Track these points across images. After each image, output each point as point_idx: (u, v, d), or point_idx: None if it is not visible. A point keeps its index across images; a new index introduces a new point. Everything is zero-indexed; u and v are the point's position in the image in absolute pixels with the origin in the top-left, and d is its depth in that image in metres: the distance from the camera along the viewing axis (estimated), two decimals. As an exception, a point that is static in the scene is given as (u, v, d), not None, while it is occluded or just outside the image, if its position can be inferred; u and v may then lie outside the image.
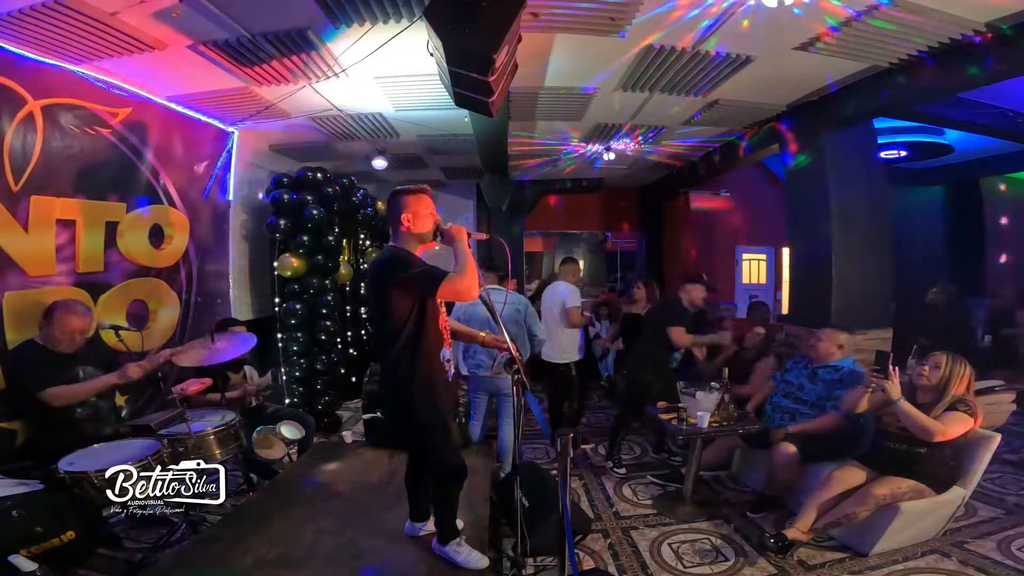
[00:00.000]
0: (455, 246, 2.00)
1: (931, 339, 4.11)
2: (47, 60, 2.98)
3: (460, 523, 2.26)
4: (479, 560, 2.13)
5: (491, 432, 3.72)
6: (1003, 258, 7.35)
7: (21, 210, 2.87)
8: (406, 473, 2.32)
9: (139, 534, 2.67)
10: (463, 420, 3.70)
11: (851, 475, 2.73)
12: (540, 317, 4.17)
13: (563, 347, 4.13)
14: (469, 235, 2.06)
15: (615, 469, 3.86)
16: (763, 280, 8.56)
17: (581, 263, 10.62)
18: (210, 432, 2.71)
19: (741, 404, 3.59)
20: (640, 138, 5.46)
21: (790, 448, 2.99)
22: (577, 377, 4.25)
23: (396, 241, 2.09)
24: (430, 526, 2.29)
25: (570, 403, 4.30)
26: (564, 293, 4.11)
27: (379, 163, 5.70)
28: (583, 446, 4.31)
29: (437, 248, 2.15)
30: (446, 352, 2.12)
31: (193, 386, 2.91)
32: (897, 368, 2.66)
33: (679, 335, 3.90)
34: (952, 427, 2.54)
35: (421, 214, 2.05)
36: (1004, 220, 7.44)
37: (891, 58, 3.35)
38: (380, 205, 5.91)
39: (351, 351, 5.72)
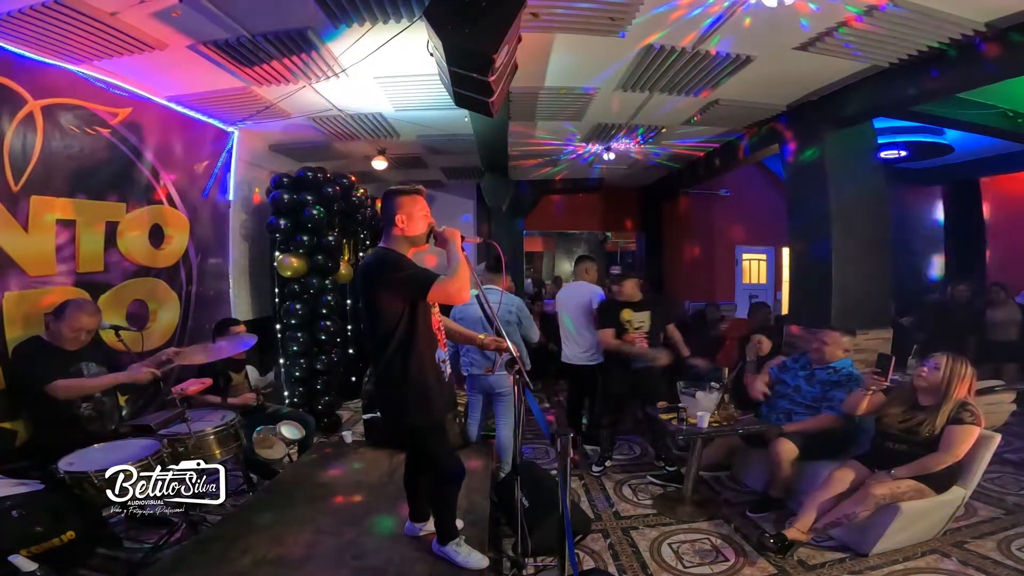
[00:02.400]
0: (448, 249, 2.00)
1: (947, 339, 4.10)
2: (47, 60, 2.97)
3: (459, 523, 2.26)
4: (479, 560, 2.13)
5: (489, 431, 3.72)
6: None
7: (21, 210, 2.86)
8: (405, 473, 2.32)
9: (139, 534, 2.66)
10: (462, 420, 3.69)
11: (851, 475, 2.73)
12: (560, 319, 4.16)
13: (589, 349, 4.07)
14: (463, 238, 2.05)
15: (594, 467, 3.87)
16: (763, 280, 8.55)
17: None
18: (210, 432, 2.71)
19: (743, 404, 3.58)
20: (640, 138, 5.46)
21: (790, 445, 2.99)
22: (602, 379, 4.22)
23: (387, 242, 2.06)
24: (430, 526, 2.29)
25: (592, 405, 4.28)
26: (596, 296, 4.08)
27: (379, 163, 5.70)
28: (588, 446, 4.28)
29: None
30: (441, 353, 2.11)
31: (193, 386, 2.91)
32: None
33: (604, 336, 3.84)
34: (962, 446, 2.55)
35: (415, 216, 2.03)
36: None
37: (891, 58, 3.35)
38: (379, 205, 5.92)
39: (351, 351, 5.72)
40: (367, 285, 1.99)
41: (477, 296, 2.29)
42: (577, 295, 4.13)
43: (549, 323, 6.73)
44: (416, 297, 1.96)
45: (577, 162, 6.55)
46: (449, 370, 2.19)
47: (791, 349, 4.36)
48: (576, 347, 4.09)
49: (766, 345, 4.14)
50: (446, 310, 2.41)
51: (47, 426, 2.65)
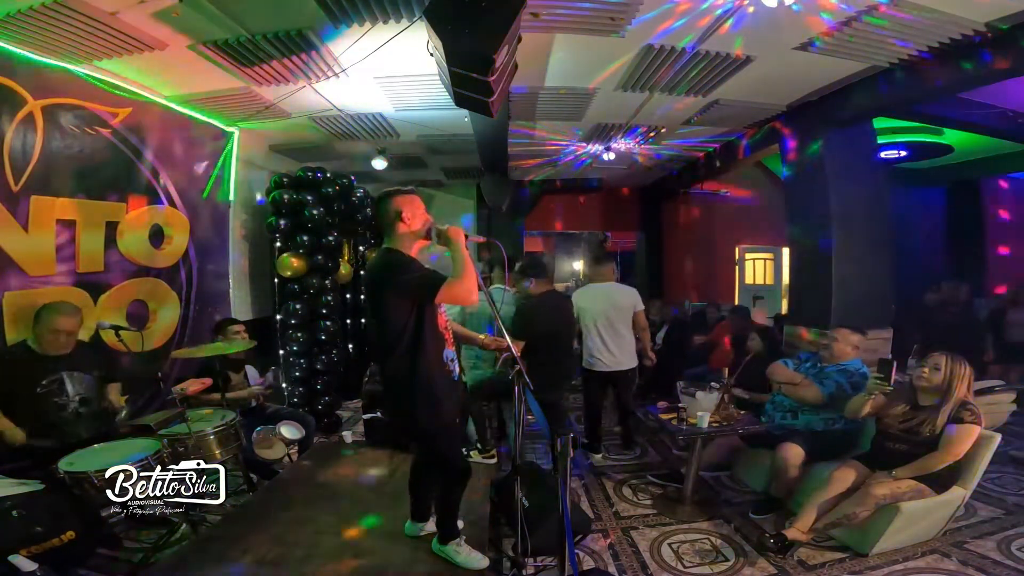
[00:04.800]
0: (453, 249, 1.99)
1: (938, 338, 4.09)
2: (47, 60, 2.97)
3: (460, 523, 2.26)
4: (479, 560, 2.14)
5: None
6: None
7: (21, 210, 2.87)
8: (411, 473, 2.32)
9: (139, 534, 2.66)
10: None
11: (851, 475, 2.73)
12: (590, 323, 3.94)
13: (631, 351, 4.04)
14: (467, 237, 2.05)
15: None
16: (770, 281, 8.48)
17: (582, 263, 10.64)
18: (210, 432, 2.71)
19: (743, 406, 3.58)
20: (640, 138, 5.46)
21: (797, 449, 2.98)
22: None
23: (391, 243, 2.07)
24: (430, 526, 2.29)
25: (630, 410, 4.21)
26: (633, 295, 4.05)
27: (379, 163, 5.70)
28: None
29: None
30: (449, 352, 2.11)
31: (193, 386, 2.92)
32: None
33: None
34: (962, 445, 2.55)
35: (417, 214, 2.05)
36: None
37: (891, 58, 3.35)
38: (375, 209, 5.92)
39: (351, 351, 5.72)
40: (375, 288, 2.01)
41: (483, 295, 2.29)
42: (612, 297, 4.02)
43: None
44: (424, 300, 1.97)
45: (577, 162, 6.55)
46: (458, 369, 2.19)
47: (794, 351, 4.35)
48: (621, 352, 3.98)
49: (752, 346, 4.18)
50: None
51: (33, 430, 2.62)
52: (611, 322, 3.94)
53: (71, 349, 2.79)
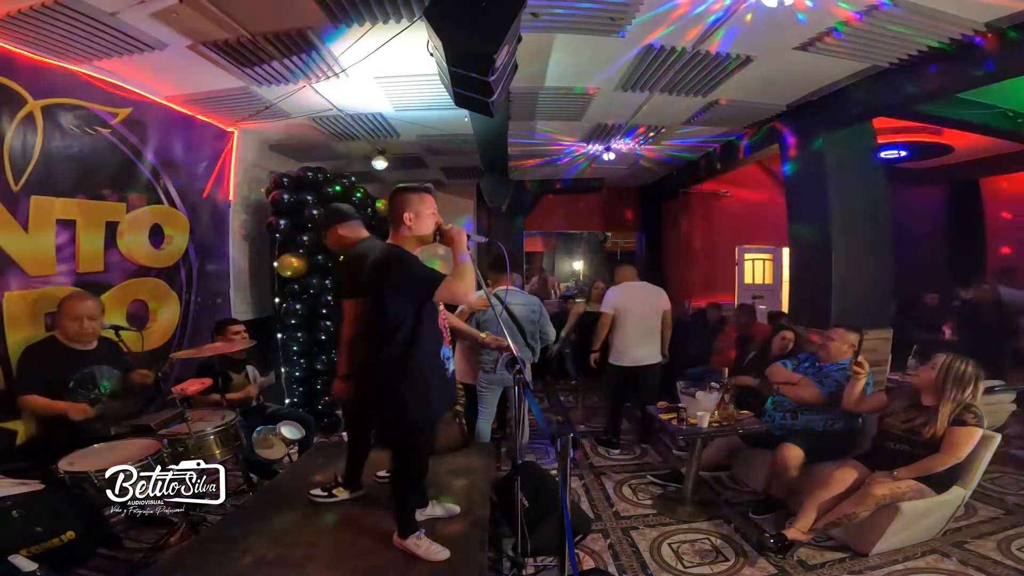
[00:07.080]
0: (454, 249, 2.02)
1: (969, 340, 4.07)
2: (47, 60, 2.97)
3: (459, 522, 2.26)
4: (439, 552, 2.12)
5: (494, 435, 3.72)
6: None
7: (21, 210, 2.87)
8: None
9: (139, 534, 2.66)
10: (463, 420, 3.68)
11: (851, 475, 2.73)
12: (627, 320, 4.14)
13: (658, 348, 4.21)
14: (468, 237, 2.07)
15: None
16: (769, 280, 8.48)
17: (582, 263, 10.65)
18: (210, 432, 2.71)
19: (745, 405, 3.58)
20: (640, 138, 5.46)
21: (796, 450, 2.98)
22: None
23: (396, 239, 2.10)
24: (429, 510, 2.31)
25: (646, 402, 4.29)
26: (663, 295, 4.27)
27: (379, 163, 5.70)
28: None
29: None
30: (446, 350, 2.13)
31: (193, 386, 2.92)
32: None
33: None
34: (963, 448, 2.55)
35: (423, 214, 2.06)
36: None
37: (891, 58, 3.35)
38: (380, 205, 5.92)
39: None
40: (375, 281, 2.01)
41: (497, 296, 2.31)
42: (642, 296, 4.20)
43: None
44: (422, 297, 1.99)
45: (576, 162, 6.55)
46: (452, 367, 2.19)
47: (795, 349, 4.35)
48: (649, 348, 4.14)
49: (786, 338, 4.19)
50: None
51: (50, 425, 2.65)
52: (644, 319, 4.08)
53: (96, 343, 2.85)
